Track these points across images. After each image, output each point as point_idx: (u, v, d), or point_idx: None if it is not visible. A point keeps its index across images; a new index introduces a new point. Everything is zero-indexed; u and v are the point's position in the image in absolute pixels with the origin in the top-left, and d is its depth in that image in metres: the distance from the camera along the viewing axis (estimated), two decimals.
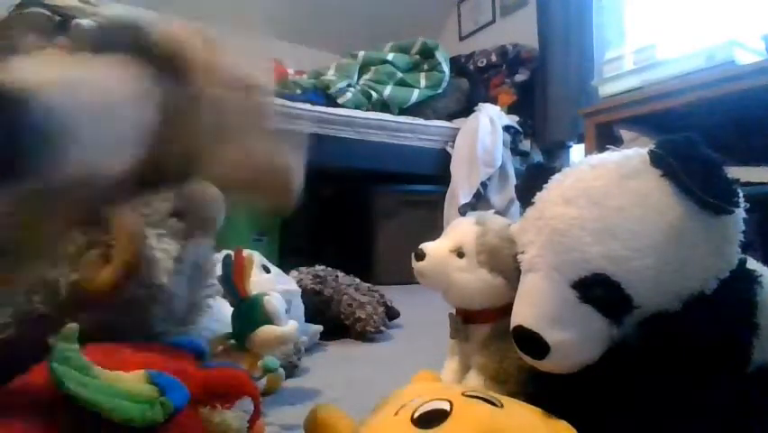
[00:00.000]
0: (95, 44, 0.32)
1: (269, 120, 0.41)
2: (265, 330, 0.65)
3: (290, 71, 2.18)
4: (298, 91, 2.04)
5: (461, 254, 0.58)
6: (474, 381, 0.56)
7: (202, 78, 0.36)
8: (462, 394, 0.38)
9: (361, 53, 2.36)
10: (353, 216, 2.31)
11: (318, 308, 1.10)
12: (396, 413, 0.37)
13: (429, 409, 0.36)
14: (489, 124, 2.21)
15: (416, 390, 0.41)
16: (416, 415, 0.35)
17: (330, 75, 2.22)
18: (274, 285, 0.89)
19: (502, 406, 0.37)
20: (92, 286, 0.52)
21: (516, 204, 2.04)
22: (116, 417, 0.31)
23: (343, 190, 2.37)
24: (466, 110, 2.39)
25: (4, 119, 0.21)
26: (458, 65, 2.62)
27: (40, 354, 0.50)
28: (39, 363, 0.48)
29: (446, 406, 0.35)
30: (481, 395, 0.38)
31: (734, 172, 0.39)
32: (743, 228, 0.42)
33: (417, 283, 0.61)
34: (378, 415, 0.39)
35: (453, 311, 0.63)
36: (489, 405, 0.37)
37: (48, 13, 1.54)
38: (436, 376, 0.55)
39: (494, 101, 2.38)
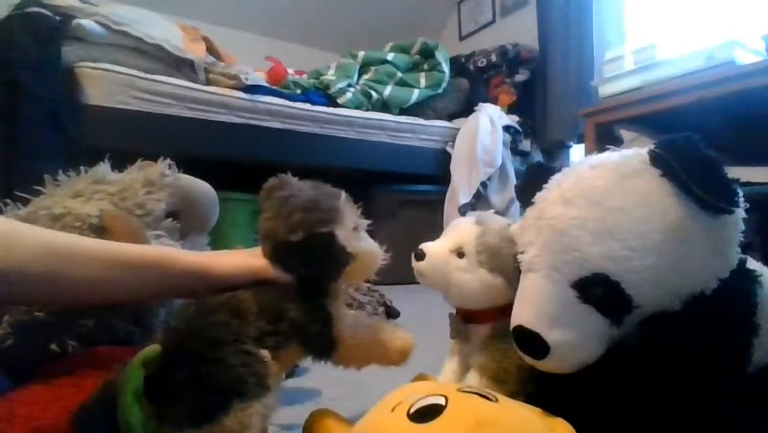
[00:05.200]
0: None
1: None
2: None
3: (290, 71, 2.18)
4: (298, 91, 2.04)
5: (461, 254, 0.58)
6: (474, 381, 0.56)
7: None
8: (458, 390, 0.38)
9: (361, 53, 2.36)
10: None
11: None
12: (392, 410, 0.37)
13: (425, 404, 0.36)
14: (489, 124, 2.21)
15: (412, 388, 0.41)
16: (412, 410, 0.35)
17: (330, 75, 2.22)
18: None
19: (497, 401, 0.37)
20: None
21: (516, 204, 2.04)
22: None
23: (344, 190, 2.36)
24: (466, 110, 2.39)
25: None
26: (458, 65, 2.62)
27: (39, 360, 0.50)
28: (39, 368, 0.48)
29: (441, 401, 0.36)
30: (477, 391, 0.38)
31: (734, 172, 0.39)
32: (743, 228, 0.42)
33: (417, 283, 0.61)
34: (374, 412, 0.39)
35: (453, 311, 0.63)
36: (484, 399, 0.37)
37: (48, 13, 1.54)
38: (434, 379, 0.55)
39: (494, 101, 2.38)
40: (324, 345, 0.48)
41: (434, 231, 0.67)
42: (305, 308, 0.46)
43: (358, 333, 0.49)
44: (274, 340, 0.43)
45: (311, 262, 0.47)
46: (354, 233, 0.51)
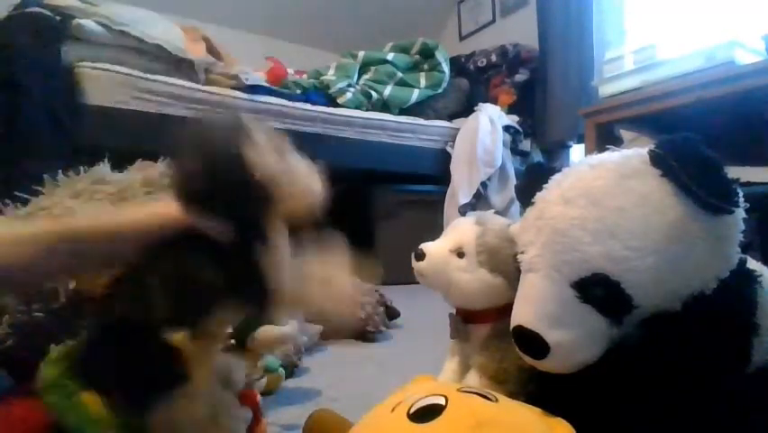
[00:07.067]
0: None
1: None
2: (265, 330, 0.65)
3: (290, 71, 2.18)
4: (298, 91, 2.04)
5: (461, 254, 0.58)
6: (474, 381, 0.56)
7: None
8: (458, 390, 0.38)
9: (361, 53, 2.36)
10: (353, 216, 2.31)
11: None
12: (392, 409, 0.37)
13: (425, 404, 0.36)
14: (489, 124, 2.21)
15: (413, 388, 0.41)
16: (412, 410, 0.35)
17: (330, 75, 2.22)
18: None
19: (497, 401, 0.37)
20: (93, 292, 0.52)
21: (516, 204, 2.04)
22: None
23: (343, 190, 2.37)
24: (466, 110, 2.39)
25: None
26: (458, 65, 2.62)
27: (39, 360, 0.50)
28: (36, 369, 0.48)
29: (441, 401, 0.36)
30: (477, 391, 0.38)
31: (734, 172, 0.39)
32: (743, 228, 0.42)
33: (417, 283, 0.61)
34: (374, 412, 0.39)
35: (453, 311, 0.63)
36: (484, 399, 0.37)
37: (48, 13, 1.54)
38: (434, 379, 0.55)
39: (494, 101, 2.38)
40: (261, 300, 0.42)
41: (434, 231, 0.67)
42: (230, 263, 0.39)
43: (303, 281, 0.44)
44: (190, 318, 0.39)
45: (224, 191, 0.39)
46: (277, 156, 0.43)
